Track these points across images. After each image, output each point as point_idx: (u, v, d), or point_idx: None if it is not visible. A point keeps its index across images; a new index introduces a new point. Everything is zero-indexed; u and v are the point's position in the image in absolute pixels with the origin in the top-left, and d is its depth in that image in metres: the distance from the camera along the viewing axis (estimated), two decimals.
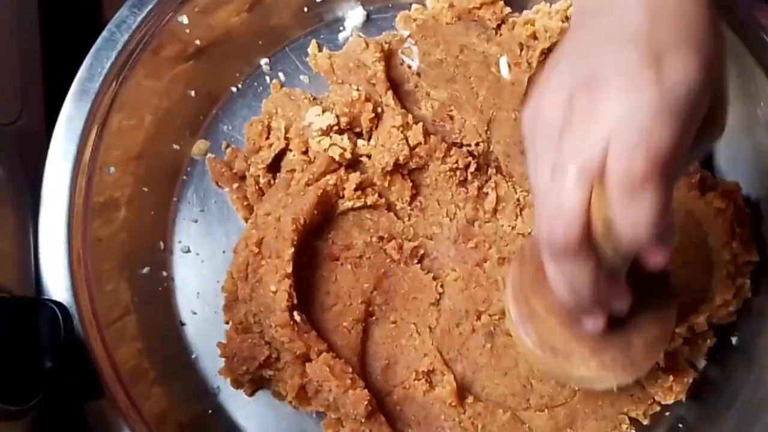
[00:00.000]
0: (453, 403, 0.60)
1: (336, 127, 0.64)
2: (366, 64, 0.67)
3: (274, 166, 0.66)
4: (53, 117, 0.61)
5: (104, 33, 0.63)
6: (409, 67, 0.70)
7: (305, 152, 0.65)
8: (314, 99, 0.68)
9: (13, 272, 0.56)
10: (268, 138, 0.67)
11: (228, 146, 0.70)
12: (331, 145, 0.64)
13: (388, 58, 0.69)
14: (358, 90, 0.65)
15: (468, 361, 0.62)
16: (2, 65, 0.61)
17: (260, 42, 0.71)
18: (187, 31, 0.67)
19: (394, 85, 0.68)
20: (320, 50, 0.72)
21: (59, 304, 0.56)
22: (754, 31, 0.63)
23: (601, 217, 0.40)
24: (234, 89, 0.72)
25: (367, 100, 0.65)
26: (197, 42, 0.68)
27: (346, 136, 0.65)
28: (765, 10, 0.64)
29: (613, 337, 0.51)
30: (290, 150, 0.65)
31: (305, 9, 0.73)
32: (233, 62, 0.72)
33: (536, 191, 0.45)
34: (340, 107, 0.65)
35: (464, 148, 0.65)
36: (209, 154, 0.70)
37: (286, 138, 0.66)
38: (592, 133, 0.40)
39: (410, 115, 0.65)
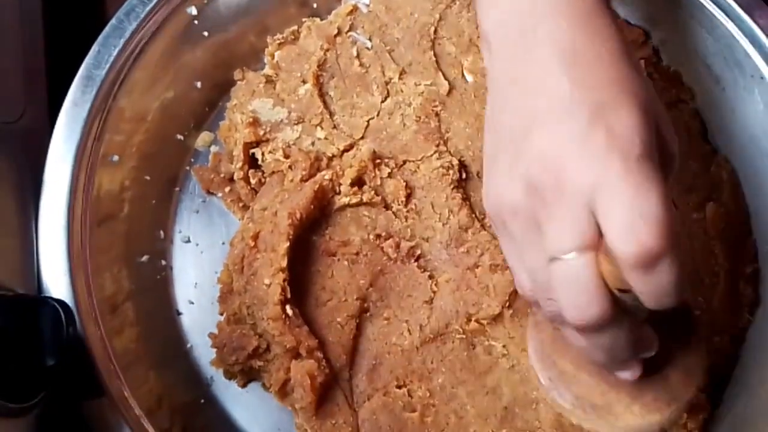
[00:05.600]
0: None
1: (286, 120, 0.66)
2: (308, 50, 0.68)
3: (254, 164, 0.67)
4: (57, 115, 0.62)
5: (113, 21, 0.64)
6: (368, 48, 0.69)
7: (273, 152, 0.65)
8: (269, 82, 0.68)
9: (16, 270, 0.57)
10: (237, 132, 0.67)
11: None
12: (296, 139, 0.65)
13: (335, 41, 0.69)
14: (304, 82, 0.67)
15: (449, 374, 0.60)
16: (6, 64, 0.62)
17: (269, 35, 0.71)
18: (196, 22, 0.68)
19: (341, 71, 0.68)
20: None
21: (62, 303, 0.56)
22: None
23: (617, 283, 0.40)
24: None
25: (319, 93, 0.66)
26: (205, 33, 0.69)
27: (300, 127, 0.66)
28: (764, 10, 0.65)
29: (649, 376, 0.50)
30: (262, 153, 0.66)
31: (314, 5, 0.73)
32: (241, 54, 0.72)
33: (525, 272, 0.46)
34: (288, 103, 0.66)
35: (451, 156, 0.65)
36: (214, 146, 0.71)
37: (251, 127, 0.66)
38: (574, 212, 0.40)
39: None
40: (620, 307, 0.42)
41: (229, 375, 0.63)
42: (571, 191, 0.40)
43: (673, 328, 0.50)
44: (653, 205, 0.38)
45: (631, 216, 0.38)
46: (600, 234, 0.40)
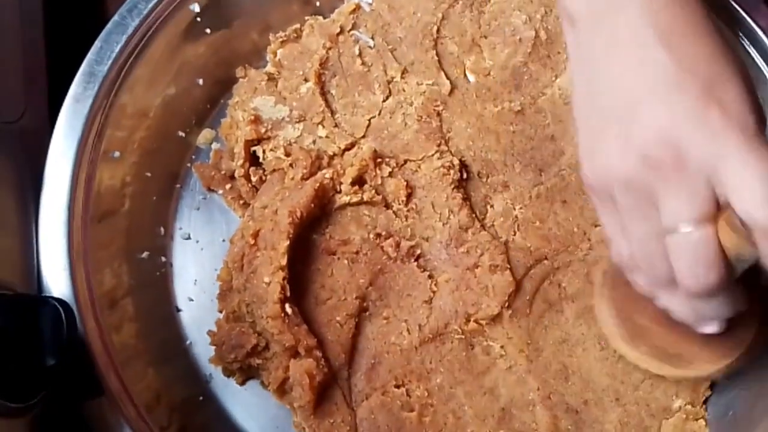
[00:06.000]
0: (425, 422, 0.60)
1: (287, 118, 0.66)
2: (310, 49, 0.68)
3: (255, 161, 0.67)
4: (56, 115, 0.62)
5: (115, 17, 0.64)
6: (370, 47, 0.69)
7: (274, 150, 0.65)
8: (270, 79, 0.68)
9: (16, 270, 0.57)
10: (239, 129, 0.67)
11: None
12: (297, 137, 0.66)
13: (337, 40, 0.69)
14: (305, 80, 0.67)
15: (448, 374, 0.61)
16: (6, 64, 0.62)
17: (271, 33, 0.71)
18: (198, 19, 0.68)
19: (343, 70, 0.68)
20: None
21: (62, 302, 0.56)
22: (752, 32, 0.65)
23: (737, 251, 0.43)
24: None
25: (321, 92, 0.66)
26: (207, 30, 0.69)
27: (302, 125, 0.66)
28: (764, 12, 0.65)
29: None
30: (263, 150, 0.66)
31: (317, 3, 0.73)
32: (243, 52, 0.72)
33: (626, 242, 0.48)
34: (290, 101, 0.66)
35: (451, 156, 0.65)
36: (215, 144, 0.71)
37: (252, 125, 0.66)
38: (695, 186, 0.42)
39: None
40: (731, 274, 0.45)
41: (228, 372, 0.64)
42: (692, 166, 0.42)
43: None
44: None
45: (762, 182, 0.40)
46: (718, 206, 0.42)
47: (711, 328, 0.51)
